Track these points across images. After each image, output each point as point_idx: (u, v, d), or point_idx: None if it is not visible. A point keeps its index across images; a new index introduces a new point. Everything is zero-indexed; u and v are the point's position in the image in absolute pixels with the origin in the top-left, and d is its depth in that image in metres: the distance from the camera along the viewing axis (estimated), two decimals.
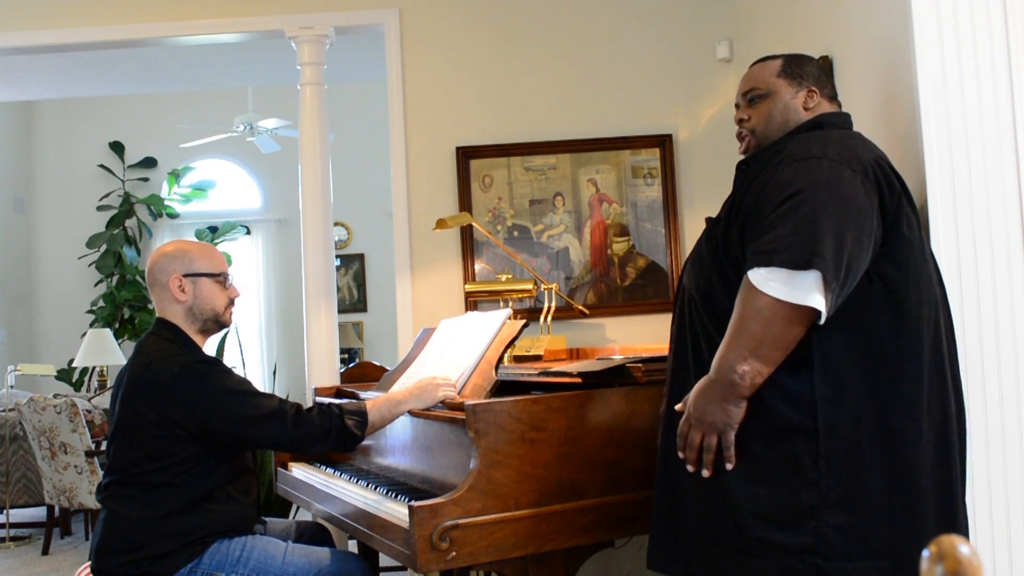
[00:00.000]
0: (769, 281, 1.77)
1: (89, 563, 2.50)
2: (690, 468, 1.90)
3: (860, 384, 1.82)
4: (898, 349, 1.84)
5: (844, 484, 1.79)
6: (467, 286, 3.85)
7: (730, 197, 2.03)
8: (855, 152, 1.90)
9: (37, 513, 6.44)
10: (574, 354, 3.59)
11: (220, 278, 2.58)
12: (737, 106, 2.18)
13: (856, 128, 2.11)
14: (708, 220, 2.08)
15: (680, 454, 1.92)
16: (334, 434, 2.44)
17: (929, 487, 1.83)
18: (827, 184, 1.82)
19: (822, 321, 1.78)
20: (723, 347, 1.83)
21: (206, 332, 2.60)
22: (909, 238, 1.89)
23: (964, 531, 1.90)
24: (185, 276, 2.54)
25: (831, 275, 1.74)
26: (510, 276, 3.68)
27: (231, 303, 2.62)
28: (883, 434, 1.81)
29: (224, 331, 7.22)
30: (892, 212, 1.87)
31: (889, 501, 1.80)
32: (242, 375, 2.56)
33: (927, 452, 1.83)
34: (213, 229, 9.07)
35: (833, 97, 2.14)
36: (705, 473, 1.88)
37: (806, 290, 1.75)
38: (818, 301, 1.76)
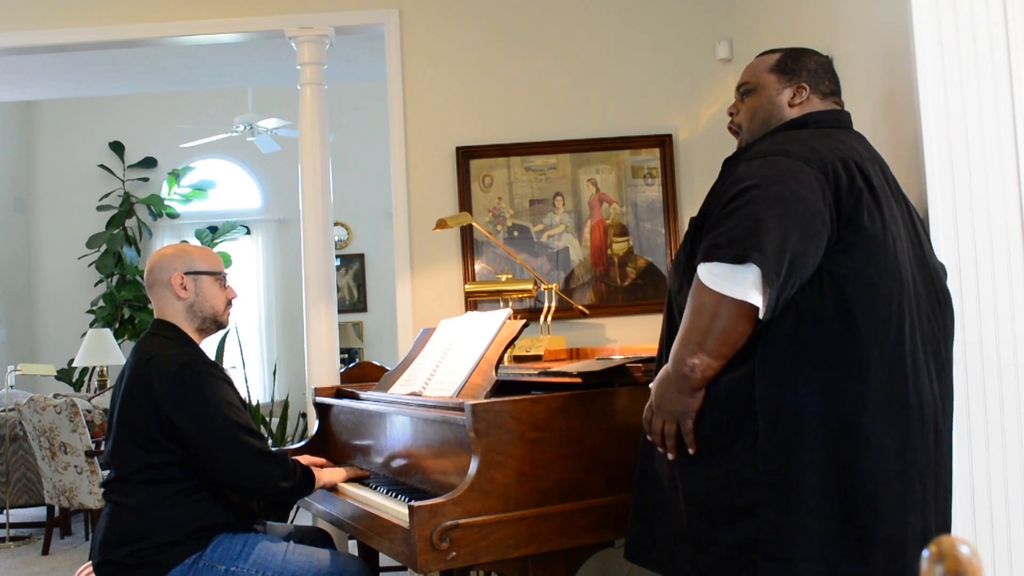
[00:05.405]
0: (713, 276, 1.77)
1: (90, 562, 2.51)
2: (660, 450, 1.94)
3: (803, 384, 1.77)
4: (844, 351, 1.77)
5: (780, 483, 1.77)
6: (467, 286, 3.85)
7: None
8: (816, 150, 1.86)
9: (37, 513, 6.44)
10: (574, 354, 3.59)
11: (220, 277, 2.65)
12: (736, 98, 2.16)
13: (856, 127, 2.09)
14: (691, 220, 2.06)
15: (648, 437, 1.97)
16: (295, 482, 2.53)
17: (877, 494, 1.75)
18: (777, 180, 1.79)
19: (761, 317, 1.76)
20: (676, 341, 1.86)
21: (204, 331, 2.64)
22: (871, 234, 1.81)
23: (917, 544, 1.76)
24: (187, 274, 2.59)
25: (770, 271, 1.72)
26: (510, 276, 3.68)
27: (229, 303, 2.68)
28: (823, 437, 1.76)
29: (223, 332, 7.28)
30: (848, 208, 1.81)
31: (825, 503, 1.75)
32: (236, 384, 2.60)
33: (874, 458, 1.75)
34: (213, 229, 9.07)
35: (829, 94, 2.07)
36: (670, 456, 1.92)
37: (746, 285, 1.74)
38: (755, 297, 1.74)
